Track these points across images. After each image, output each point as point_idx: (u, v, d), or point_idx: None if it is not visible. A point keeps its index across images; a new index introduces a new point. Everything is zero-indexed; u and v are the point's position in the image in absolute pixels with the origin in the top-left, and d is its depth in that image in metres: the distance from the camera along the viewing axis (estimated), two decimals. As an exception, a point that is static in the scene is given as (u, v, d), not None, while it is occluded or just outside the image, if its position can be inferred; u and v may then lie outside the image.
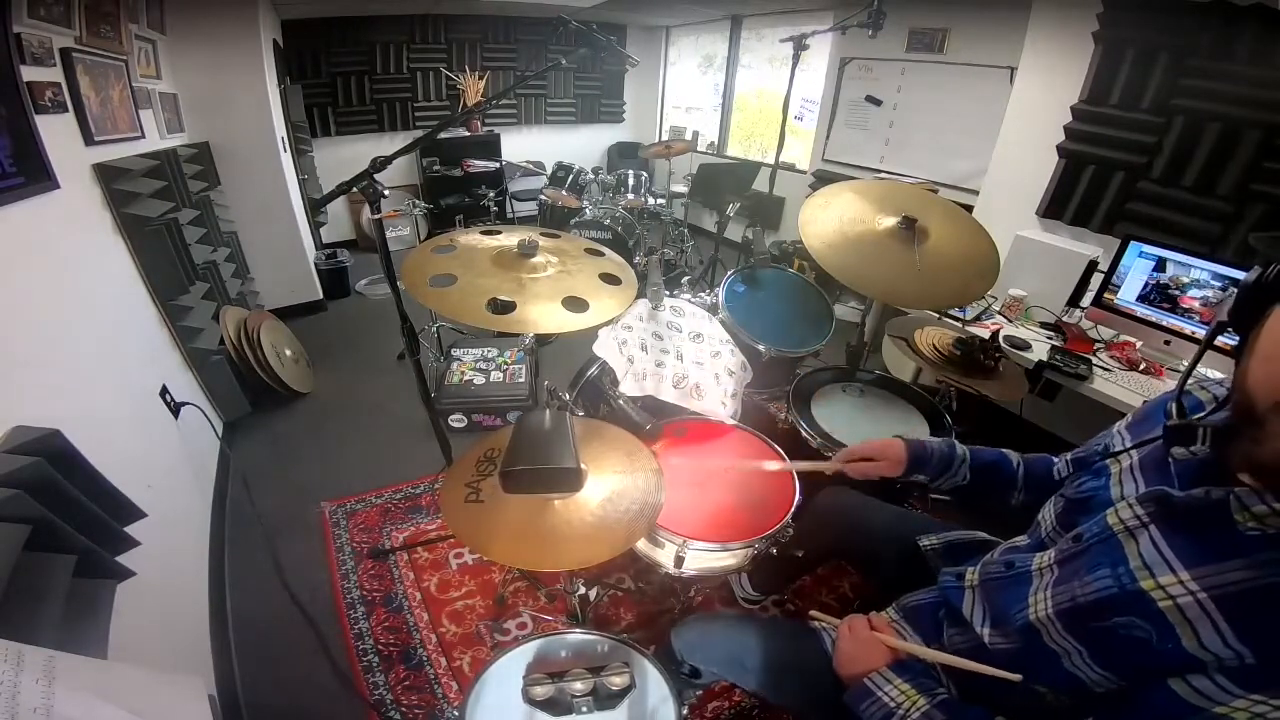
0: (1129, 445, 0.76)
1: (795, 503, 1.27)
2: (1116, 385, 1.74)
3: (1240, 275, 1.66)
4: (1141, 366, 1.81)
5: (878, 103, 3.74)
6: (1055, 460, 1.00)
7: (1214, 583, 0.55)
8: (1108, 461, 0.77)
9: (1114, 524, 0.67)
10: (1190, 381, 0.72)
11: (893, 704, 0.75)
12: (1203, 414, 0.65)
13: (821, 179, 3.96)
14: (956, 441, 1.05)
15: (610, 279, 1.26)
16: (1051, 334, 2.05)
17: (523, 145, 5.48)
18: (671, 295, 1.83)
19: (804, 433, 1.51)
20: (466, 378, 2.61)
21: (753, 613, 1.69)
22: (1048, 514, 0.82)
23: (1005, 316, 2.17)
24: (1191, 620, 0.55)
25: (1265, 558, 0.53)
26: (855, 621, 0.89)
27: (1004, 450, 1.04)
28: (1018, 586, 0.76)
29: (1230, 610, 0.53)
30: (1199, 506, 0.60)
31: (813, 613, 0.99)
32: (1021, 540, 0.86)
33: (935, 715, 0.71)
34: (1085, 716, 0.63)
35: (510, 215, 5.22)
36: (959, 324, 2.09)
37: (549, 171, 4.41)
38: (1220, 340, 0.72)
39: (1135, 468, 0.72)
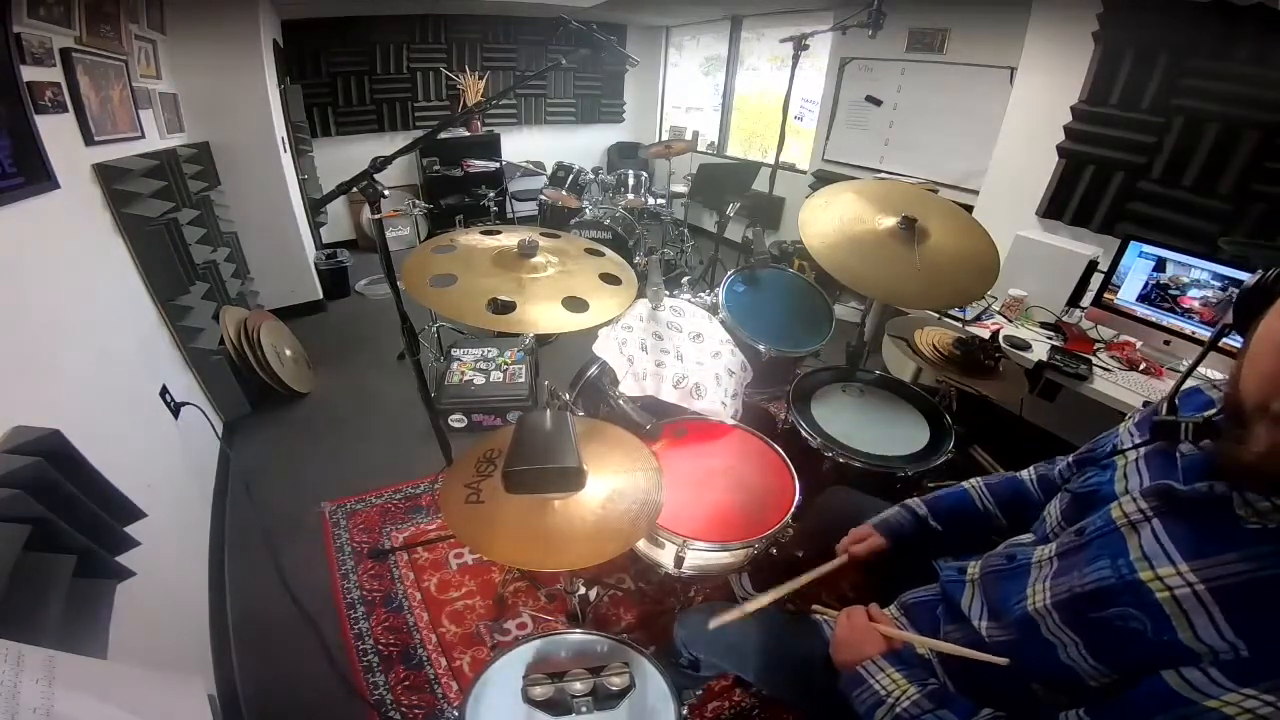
0: (1137, 441, 0.76)
1: (795, 503, 1.27)
2: (1116, 385, 1.74)
3: (1240, 275, 1.67)
4: (1141, 366, 1.81)
5: (878, 103, 3.74)
6: (1020, 476, 1.00)
7: (1211, 574, 0.55)
8: (1115, 457, 0.78)
9: (1117, 517, 0.67)
10: (1203, 382, 0.75)
11: (884, 692, 0.76)
12: (1204, 413, 0.65)
13: (821, 179, 3.96)
14: (906, 501, 1.06)
15: (610, 279, 1.27)
16: (1051, 334, 2.05)
17: (523, 145, 5.48)
18: (671, 295, 1.83)
19: (804, 433, 1.51)
20: (466, 378, 2.62)
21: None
22: (1053, 510, 0.83)
23: (1005, 316, 2.17)
24: (1188, 612, 0.55)
25: (1264, 550, 0.54)
26: (854, 611, 0.90)
27: (961, 484, 1.04)
28: (1017, 579, 0.76)
29: (1226, 602, 0.53)
30: (1202, 501, 0.60)
31: (815, 606, 0.99)
32: (1026, 537, 0.86)
33: (924, 704, 0.72)
34: (1077, 709, 0.63)
35: (510, 215, 5.22)
36: (959, 324, 2.09)
37: (549, 171, 4.42)
38: (1225, 342, 0.73)
39: (1141, 461, 0.72)
